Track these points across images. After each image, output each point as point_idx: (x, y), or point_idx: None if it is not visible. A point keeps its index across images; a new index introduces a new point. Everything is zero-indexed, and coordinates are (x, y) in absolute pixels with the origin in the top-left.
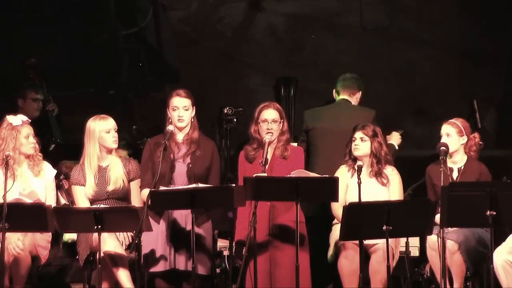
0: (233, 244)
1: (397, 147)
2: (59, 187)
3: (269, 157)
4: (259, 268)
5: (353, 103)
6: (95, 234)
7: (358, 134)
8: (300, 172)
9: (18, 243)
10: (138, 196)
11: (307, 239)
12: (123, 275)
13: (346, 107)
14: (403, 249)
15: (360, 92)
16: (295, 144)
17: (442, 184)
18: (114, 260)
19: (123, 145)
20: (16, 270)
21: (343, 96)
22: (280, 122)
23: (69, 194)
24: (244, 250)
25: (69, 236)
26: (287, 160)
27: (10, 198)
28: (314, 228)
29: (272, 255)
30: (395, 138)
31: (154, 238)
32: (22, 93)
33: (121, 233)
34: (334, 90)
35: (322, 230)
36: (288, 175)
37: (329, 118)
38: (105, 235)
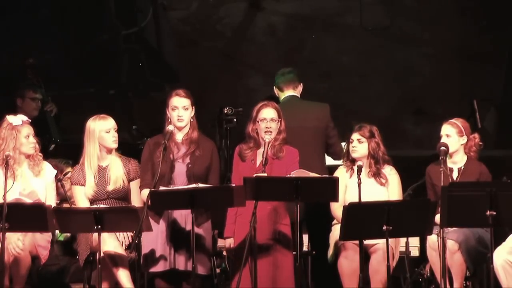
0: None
1: None
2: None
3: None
4: (248, 268)
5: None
6: (95, 234)
7: (355, 136)
8: (300, 172)
9: (18, 243)
10: (138, 196)
11: (291, 241)
12: (123, 275)
13: (300, 104)
14: (403, 249)
15: (301, 85)
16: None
17: (442, 184)
18: (114, 260)
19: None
20: (16, 270)
21: (288, 91)
22: (278, 121)
23: (58, 193)
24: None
25: (64, 234)
26: (280, 160)
27: (10, 198)
28: (314, 229)
29: (266, 257)
30: None
31: (154, 238)
32: (20, 92)
33: (121, 233)
34: (274, 87)
35: (322, 231)
36: (288, 175)
37: (290, 117)
38: (105, 235)
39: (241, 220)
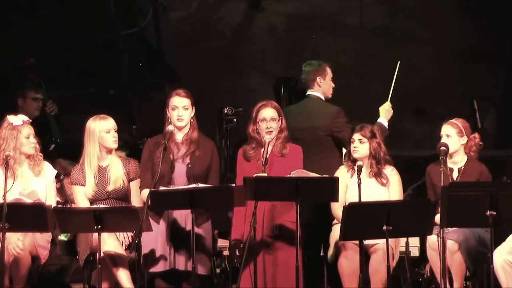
0: (229, 242)
1: (387, 123)
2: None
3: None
4: (258, 267)
5: (320, 93)
6: (95, 234)
7: (357, 136)
8: (300, 172)
9: (18, 243)
10: (138, 196)
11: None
12: (123, 275)
13: (313, 105)
14: (403, 249)
15: (320, 77)
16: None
17: (442, 184)
18: (114, 260)
19: (120, 145)
20: (16, 270)
21: (308, 90)
22: (278, 120)
23: (61, 193)
24: (238, 249)
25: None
26: (285, 157)
27: (10, 198)
28: (314, 230)
29: (269, 255)
30: (384, 113)
31: (154, 238)
32: (22, 92)
33: (121, 233)
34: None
35: (322, 232)
36: (288, 175)
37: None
38: (105, 235)
39: (249, 222)
